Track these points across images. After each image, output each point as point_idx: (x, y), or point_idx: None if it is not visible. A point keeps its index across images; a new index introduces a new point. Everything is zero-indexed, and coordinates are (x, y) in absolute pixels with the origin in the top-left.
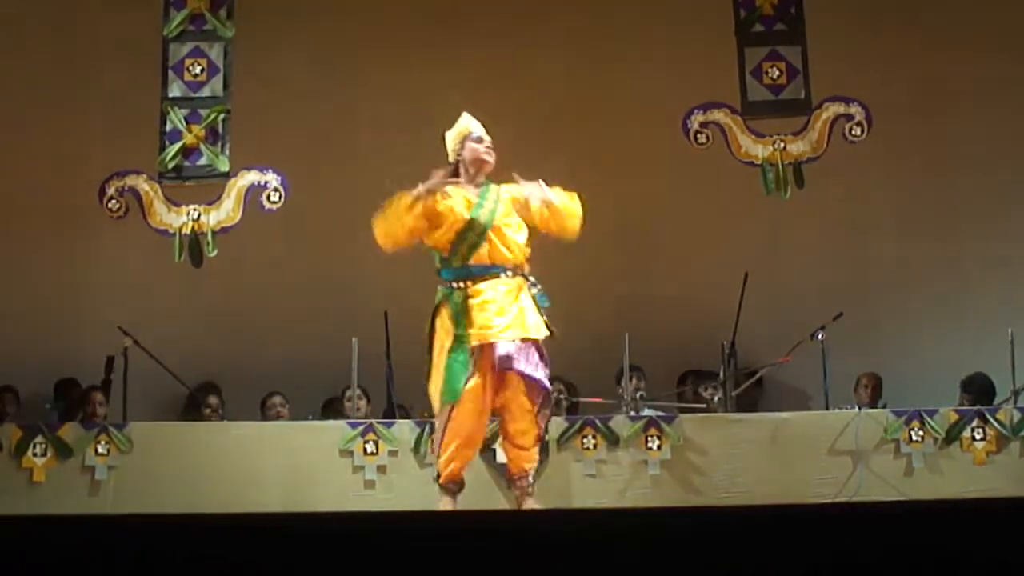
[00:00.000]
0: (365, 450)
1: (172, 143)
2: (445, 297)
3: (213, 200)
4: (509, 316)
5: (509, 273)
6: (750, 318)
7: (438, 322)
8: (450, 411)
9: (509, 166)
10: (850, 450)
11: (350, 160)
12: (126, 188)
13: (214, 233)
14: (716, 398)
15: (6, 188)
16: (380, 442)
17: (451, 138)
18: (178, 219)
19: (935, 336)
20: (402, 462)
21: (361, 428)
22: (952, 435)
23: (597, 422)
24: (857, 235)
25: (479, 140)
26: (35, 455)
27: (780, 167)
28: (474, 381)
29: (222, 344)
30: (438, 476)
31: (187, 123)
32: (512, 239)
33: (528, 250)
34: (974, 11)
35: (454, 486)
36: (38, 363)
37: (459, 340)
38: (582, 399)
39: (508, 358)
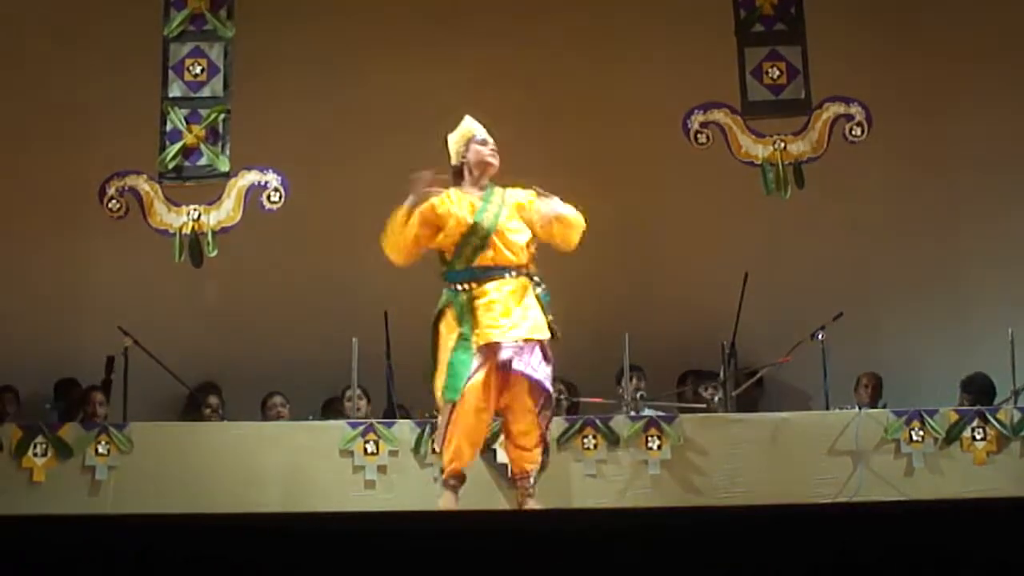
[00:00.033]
0: (365, 450)
1: (172, 143)
2: (450, 300)
3: (213, 200)
4: (514, 316)
5: (513, 273)
6: (750, 318)
7: (442, 324)
8: (452, 409)
9: (509, 166)
10: (850, 450)
11: (350, 160)
12: (126, 188)
13: (214, 233)
14: (716, 398)
15: (6, 188)
16: (380, 442)
17: (454, 141)
18: (178, 219)
19: (935, 336)
20: (402, 462)
21: (361, 428)
22: (952, 435)
23: (597, 422)
24: (857, 235)
25: (483, 143)
26: (35, 455)
27: (780, 167)
28: (477, 379)
29: (222, 344)
30: (442, 471)
31: (187, 123)
32: (515, 242)
33: (532, 251)
34: (974, 11)
35: (455, 481)
36: (38, 363)
37: (463, 338)
38: (582, 399)
39: (510, 360)
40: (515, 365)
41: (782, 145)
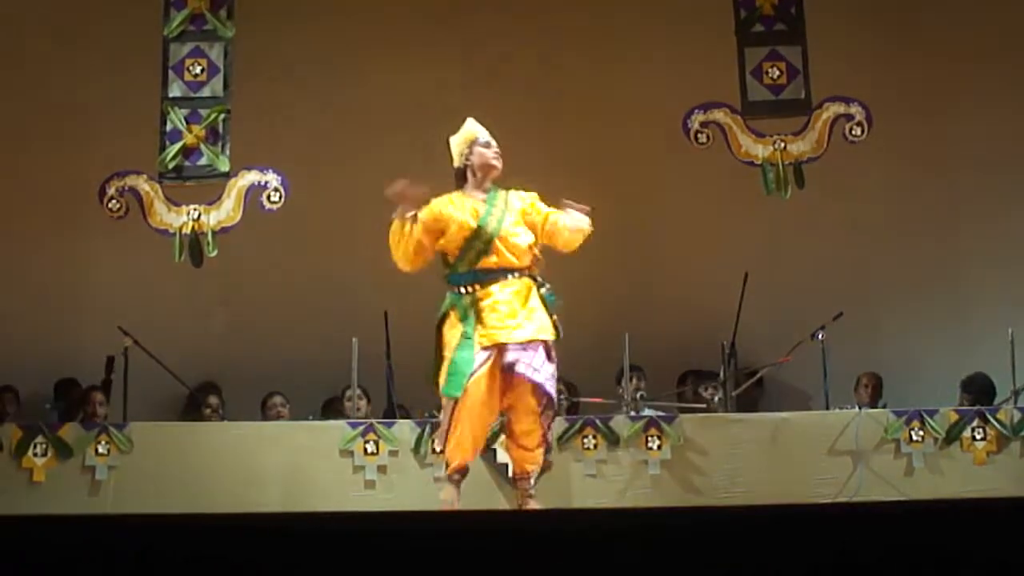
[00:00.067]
0: (365, 450)
1: (172, 143)
2: (453, 303)
3: (213, 200)
4: (519, 317)
5: (516, 275)
6: (750, 318)
7: (446, 326)
8: (455, 406)
9: (509, 166)
10: (850, 450)
11: (350, 160)
12: (126, 188)
13: (214, 233)
14: (716, 398)
15: (6, 188)
16: (380, 442)
17: (457, 143)
18: (178, 219)
19: (935, 336)
20: (402, 462)
21: (361, 428)
22: (952, 435)
23: (597, 422)
24: (857, 235)
25: (487, 145)
26: (35, 455)
27: (780, 167)
28: (481, 376)
29: (222, 344)
30: (445, 466)
31: (187, 123)
32: (519, 245)
33: (536, 253)
34: (974, 11)
35: (458, 475)
36: (38, 363)
37: (466, 337)
38: (582, 399)
39: (515, 362)
40: (519, 368)
41: (782, 145)
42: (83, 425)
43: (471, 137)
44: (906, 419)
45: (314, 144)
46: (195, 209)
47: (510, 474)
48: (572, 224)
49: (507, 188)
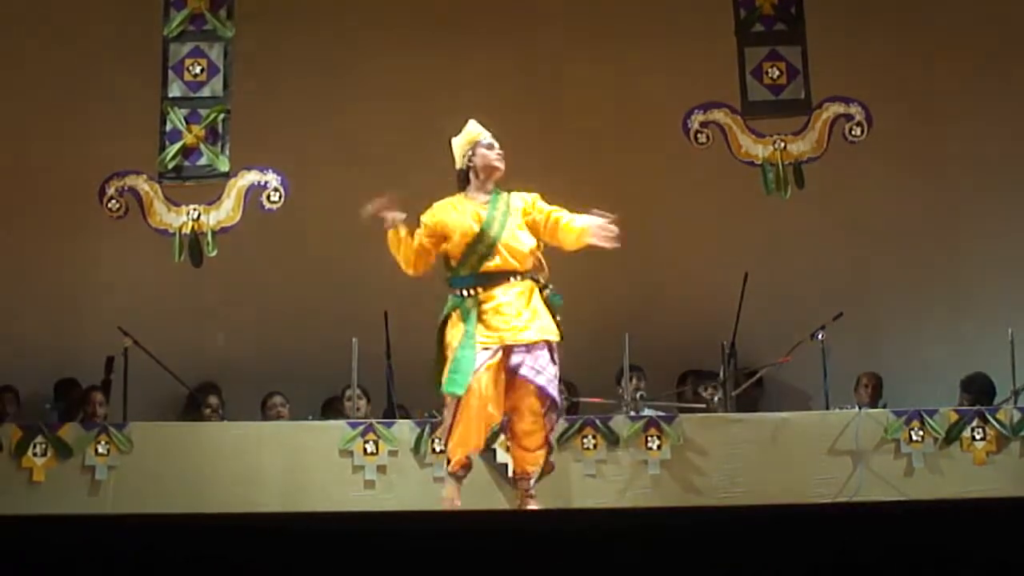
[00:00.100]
0: (365, 450)
1: (172, 143)
2: (456, 305)
3: (213, 200)
4: (524, 318)
5: (519, 278)
6: (750, 318)
7: (448, 327)
8: (457, 404)
9: (509, 167)
10: (850, 450)
11: (350, 160)
12: (126, 188)
13: (214, 233)
14: (716, 398)
15: (6, 188)
16: (380, 442)
17: (459, 144)
18: (178, 219)
19: (935, 336)
20: (402, 462)
21: (361, 428)
22: (952, 435)
23: (597, 422)
24: (857, 235)
25: (490, 147)
26: (35, 455)
27: (780, 167)
28: (484, 376)
29: (222, 344)
30: (448, 462)
31: (187, 123)
32: (521, 250)
33: (538, 256)
34: (974, 11)
35: (462, 471)
36: (38, 363)
37: (468, 336)
38: (582, 399)
39: (520, 364)
40: (523, 371)
41: (782, 145)
42: (83, 425)
43: (474, 138)
44: (906, 419)
45: (314, 144)
46: (195, 209)
47: (510, 474)
48: (585, 225)
49: (508, 190)
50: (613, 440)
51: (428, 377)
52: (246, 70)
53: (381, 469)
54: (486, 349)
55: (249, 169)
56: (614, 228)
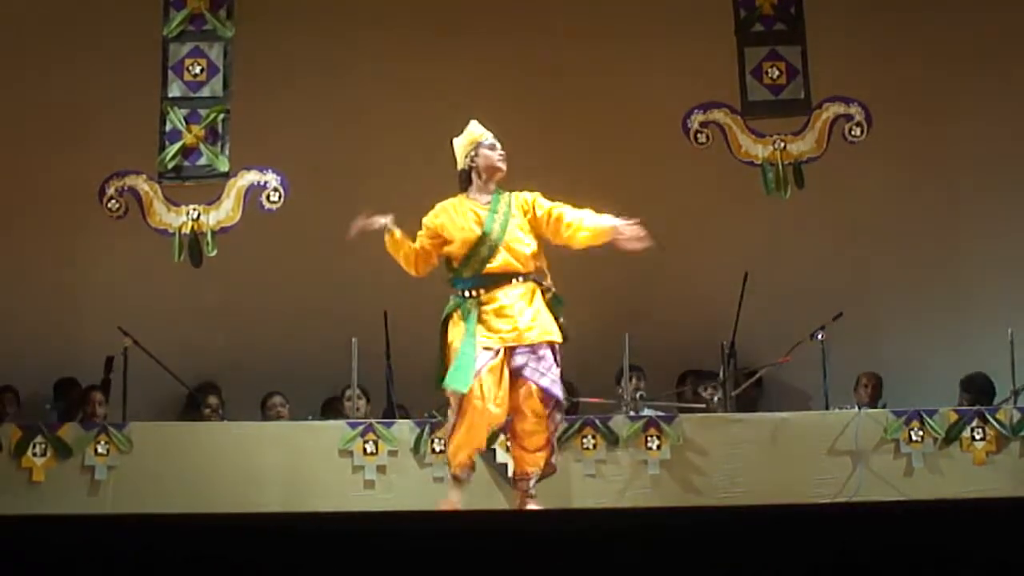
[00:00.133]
0: (365, 450)
1: (172, 143)
2: (457, 305)
3: (213, 200)
4: (526, 319)
5: (521, 279)
6: (750, 318)
7: (450, 328)
8: (461, 403)
9: (509, 168)
10: (850, 450)
11: (350, 160)
12: (126, 188)
13: (214, 233)
14: (716, 398)
15: (6, 188)
16: (380, 442)
17: (461, 145)
18: (178, 219)
19: (935, 336)
20: (402, 462)
21: (361, 428)
22: (952, 435)
23: (597, 422)
24: (857, 235)
25: (492, 147)
26: (35, 455)
27: (780, 167)
28: (487, 377)
29: (222, 344)
30: (448, 464)
31: (187, 123)
32: (523, 251)
33: (541, 259)
34: (974, 11)
35: (466, 474)
36: (38, 363)
37: (469, 335)
38: (582, 399)
39: (523, 365)
40: (526, 373)
41: (782, 145)
42: (83, 425)
43: (476, 139)
44: (906, 419)
45: (314, 144)
46: (195, 209)
47: (510, 474)
48: (606, 226)
49: (509, 190)
50: (613, 440)
51: (428, 377)
52: (246, 70)
53: (381, 469)
54: (488, 349)
55: (249, 169)
56: (642, 230)
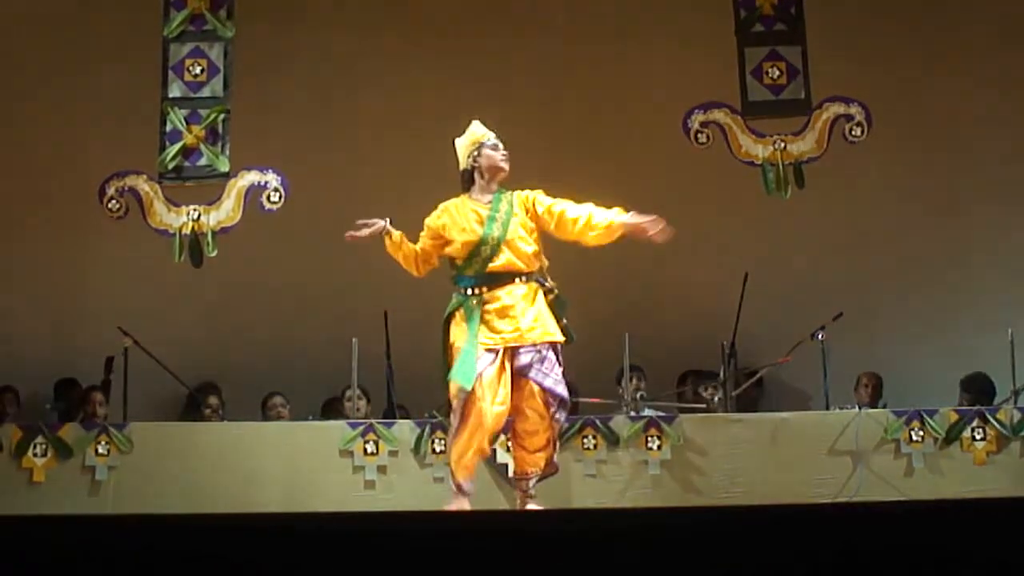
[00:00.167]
0: (365, 450)
1: (172, 143)
2: (460, 303)
3: (213, 200)
4: (528, 319)
5: (523, 278)
6: (750, 318)
7: (453, 326)
8: (465, 404)
9: (510, 167)
10: (850, 450)
11: (350, 160)
12: (126, 188)
13: (214, 233)
14: (716, 398)
15: (6, 188)
16: (380, 442)
17: (464, 145)
18: (178, 219)
19: (935, 336)
20: (402, 462)
21: (361, 428)
22: (952, 435)
23: (597, 422)
24: (857, 235)
25: (495, 147)
26: (35, 455)
27: (780, 167)
28: (491, 379)
29: (222, 344)
30: (452, 474)
31: (187, 123)
32: (524, 251)
33: (542, 259)
34: (974, 11)
35: (468, 486)
36: (38, 363)
37: (473, 336)
38: (582, 399)
39: (528, 366)
40: (531, 374)
41: (782, 145)
42: (83, 425)
43: (479, 139)
44: (906, 419)
45: (314, 144)
46: (195, 209)
47: (510, 474)
48: (623, 221)
49: (511, 189)
50: (613, 440)
51: (428, 377)
52: (246, 70)
53: (381, 469)
54: (489, 351)
55: (249, 169)
56: (660, 220)
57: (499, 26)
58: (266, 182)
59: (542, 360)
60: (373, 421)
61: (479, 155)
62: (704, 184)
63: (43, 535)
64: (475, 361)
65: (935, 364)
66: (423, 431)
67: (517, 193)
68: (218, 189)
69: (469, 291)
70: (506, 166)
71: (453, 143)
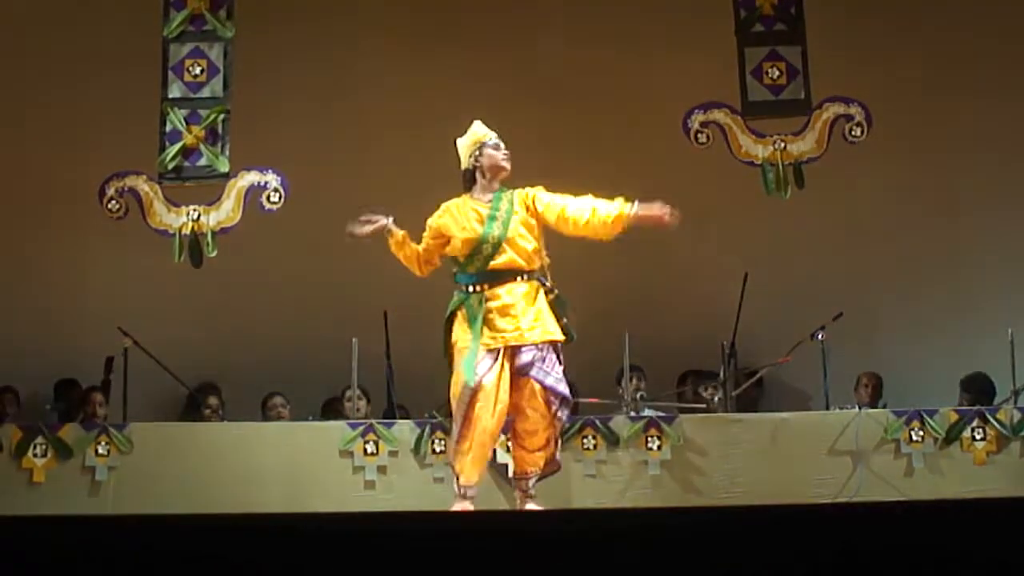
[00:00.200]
0: (365, 450)
1: (172, 144)
2: (461, 301)
3: (213, 200)
4: (529, 318)
5: (524, 277)
6: (750, 318)
7: (455, 324)
8: (468, 404)
9: (511, 167)
10: (850, 450)
11: (350, 160)
12: (126, 188)
13: (214, 233)
14: (716, 398)
15: (6, 188)
16: (380, 442)
17: (465, 145)
18: (178, 219)
19: (935, 336)
20: (402, 462)
21: (361, 428)
22: (952, 435)
23: (597, 422)
24: (857, 235)
25: (496, 147)
26: (35, 456)
27: (780, 167)
28: (493, 381)
29: (222, 344)
30: (457, 477)
31: (187, 124)
32: (525, 248)
33: (543, 258)
34: (974, 11)
35: (472, 492)
36: (38, 363)
37: (475, 337)
38: (582, 399)
39: (529, 365)
40: (533, 372)
41: (782, 145)
42: (83, 426)
43: (480, 139)
44: (906, 419)
45: (314, 144)
46: (195, 210)
47: (510, 474)
48: (631, 212)
49: (512, 188)
50: (613, 440)
51: (429, 377)
52: (246, 70)
53: (381, 470)
54: (490, 352)
55: (249, 169)
56: (666, 206)
57: (499, 26)
58: (266, 182)
59: (543, 359)
60: (373, 421)
61: (481, 155)
62: (704, 184)
63: (43, 535)
64: (476, 361)
65: (935, 364)
66: (423, 431)
67: (518, 191)
68: (218, 189)
69: (470, 289)
70: (507, 165)
71: (455, 143)
